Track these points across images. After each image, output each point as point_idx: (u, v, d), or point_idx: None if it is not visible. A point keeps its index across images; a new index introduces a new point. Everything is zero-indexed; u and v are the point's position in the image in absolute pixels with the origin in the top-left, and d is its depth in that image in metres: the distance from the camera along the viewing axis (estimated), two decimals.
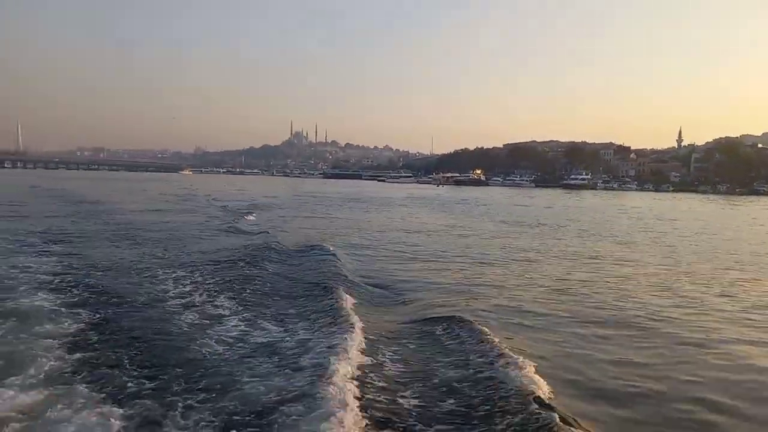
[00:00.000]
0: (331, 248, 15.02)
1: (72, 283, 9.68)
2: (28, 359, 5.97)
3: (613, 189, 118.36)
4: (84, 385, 5.46)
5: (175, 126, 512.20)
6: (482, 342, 7.07)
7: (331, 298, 8.99)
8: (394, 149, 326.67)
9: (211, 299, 9.06)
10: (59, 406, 4.92)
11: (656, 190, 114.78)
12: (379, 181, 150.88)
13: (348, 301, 8.75)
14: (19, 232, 16.35)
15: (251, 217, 25.39)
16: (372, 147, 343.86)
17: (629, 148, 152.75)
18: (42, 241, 14.70)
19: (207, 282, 10.38)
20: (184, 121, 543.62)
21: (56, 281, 9.83)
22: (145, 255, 13.40)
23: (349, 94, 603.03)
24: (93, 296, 8.93)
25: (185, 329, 7.45)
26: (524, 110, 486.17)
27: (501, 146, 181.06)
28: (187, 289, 9.78)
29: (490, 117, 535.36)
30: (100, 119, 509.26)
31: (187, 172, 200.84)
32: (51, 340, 6.65)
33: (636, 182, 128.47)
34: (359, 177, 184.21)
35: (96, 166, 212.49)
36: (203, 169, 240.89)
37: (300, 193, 61.48)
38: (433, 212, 36.86)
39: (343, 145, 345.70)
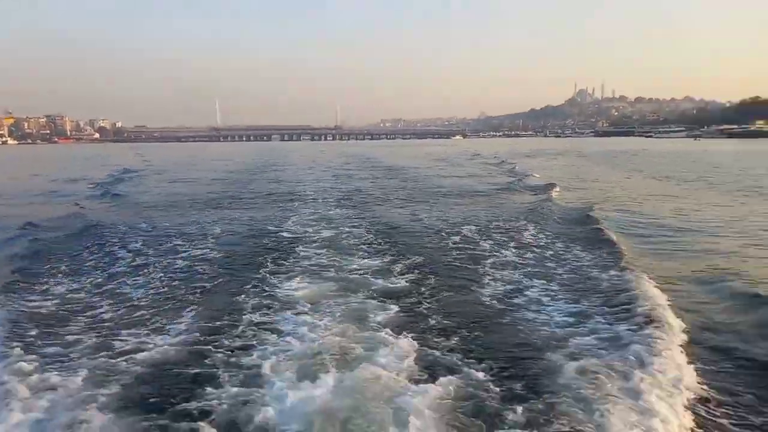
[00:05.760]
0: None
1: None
2: None
3: None
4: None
5: (462, 95, 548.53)
6: None
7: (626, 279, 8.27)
8: (697, 99, 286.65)
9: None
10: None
11: None
12: (646, 137, 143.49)
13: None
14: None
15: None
16: (669, 99, 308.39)
17: None
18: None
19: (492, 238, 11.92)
20: (471, 89, 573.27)
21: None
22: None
23: (644, 42, 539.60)
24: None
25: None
26: None
27: None
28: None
29: None
30: (399, 94, 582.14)
31: (457, 137, 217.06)
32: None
33: None
34: (632, 134, 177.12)
35: (393, 136, 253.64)
36: (482, 134, 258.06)
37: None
38: None
39: (632, 100, 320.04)
